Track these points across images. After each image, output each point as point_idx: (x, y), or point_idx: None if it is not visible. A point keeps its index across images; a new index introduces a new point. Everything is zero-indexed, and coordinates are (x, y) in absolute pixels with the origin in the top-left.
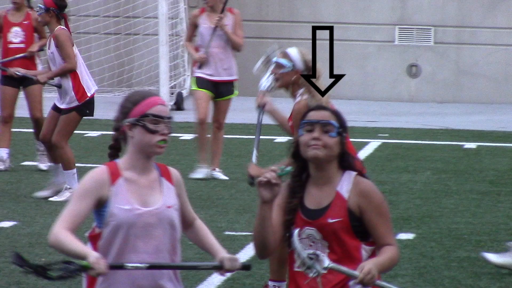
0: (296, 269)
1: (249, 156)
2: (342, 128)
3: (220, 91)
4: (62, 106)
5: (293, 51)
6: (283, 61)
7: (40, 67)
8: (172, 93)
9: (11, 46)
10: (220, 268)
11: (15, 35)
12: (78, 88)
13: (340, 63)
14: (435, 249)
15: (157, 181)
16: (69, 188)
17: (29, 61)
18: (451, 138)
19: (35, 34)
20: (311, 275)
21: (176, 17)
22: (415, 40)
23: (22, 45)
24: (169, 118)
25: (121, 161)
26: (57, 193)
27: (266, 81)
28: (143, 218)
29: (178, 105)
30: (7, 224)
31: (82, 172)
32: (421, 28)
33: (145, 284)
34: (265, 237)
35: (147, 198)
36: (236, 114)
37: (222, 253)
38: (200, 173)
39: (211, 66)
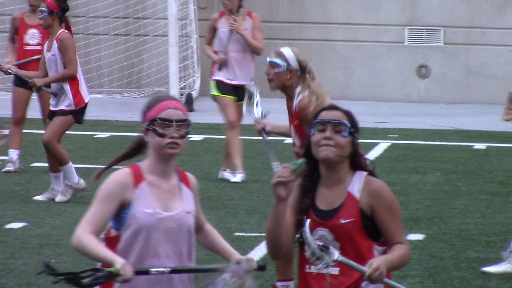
0: (307, 270)
1: (258, 157)
2: (354, 128)
3: (240, 95)
4: (59, 108)
5: (286, 51)
6: (277, 60)
7: None
8: (182, 94)
9: (28, 48)
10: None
11: (32, 37)
12: (77, 93)
13: (350, 63)
14: (445, 249)
15: (177, 187)
16: (69, 185)
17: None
18: (461, 139)
19: None
20: (319, 266)
21: (186, 18)
22: (425, 40)
23: (38, 47)
24: (180, 121)
25: (143, 164)
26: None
27: (256, 111)
28: (164, 222)
29: (188, 106)
30: (17, 225)
31: (92, 172)
32: (431, 29)
33: (162, 287)
34: (279, 237)
35: (168, 203)
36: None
37: (236, 255)
38: (238, 177)
39: (230, 70)
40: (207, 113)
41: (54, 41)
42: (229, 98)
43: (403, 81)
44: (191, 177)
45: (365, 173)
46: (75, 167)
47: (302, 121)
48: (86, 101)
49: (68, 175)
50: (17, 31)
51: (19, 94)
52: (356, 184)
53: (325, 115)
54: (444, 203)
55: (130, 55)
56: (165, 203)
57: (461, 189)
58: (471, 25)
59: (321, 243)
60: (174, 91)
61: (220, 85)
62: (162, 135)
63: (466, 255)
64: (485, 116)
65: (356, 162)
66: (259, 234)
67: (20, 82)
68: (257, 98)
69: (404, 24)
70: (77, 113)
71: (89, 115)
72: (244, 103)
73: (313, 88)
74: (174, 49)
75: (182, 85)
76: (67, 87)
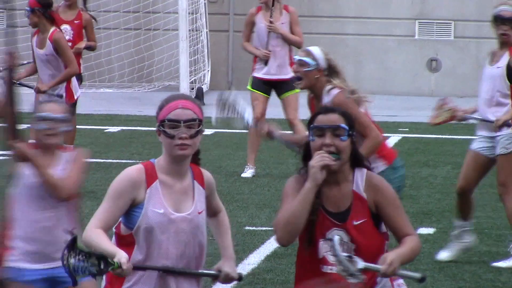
0: (326, 271)
1: (268, 151)
2: (352, 128)
3: (281, 88)
4: None
5: (315, 50)
6: (307, 59)
7: (82, 66)
8: (192, 88)
9: None
10: (216, 278)
11: (64, 33)
12: (68, 89)
13: (360, 57)
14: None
15: (190, 186)
16: None
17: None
18: (472, 132)
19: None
20: (351, 281)
21: (196, 12)
22: (435, 34)
23: (69, 43)
24: (189, 120)
25: (158, 161)
26: None
27: (248, 116)
28: (176, 223)
29: (198, 100)
30: None
31: (102, 167)
32: (441, 23)
33: (171, 285)
34: (301, 222)
35: (180, 204)
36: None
37: (226, 261)
38: (248, 173)
39: (269, 65)
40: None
41: (48, 40)
42: (259, 94)
43: (414, 75)
44: (206, 174)
45: (364, 169)
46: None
47: None
48: (76, 97)
49: None
50: None
51: None
52: (359, 182)
53: (322, 119)
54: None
55: (141, 49)
56: (177, 204)
57: None
58: (481, 19)
59: (346, 254)
60: (184, 85)
61: (255, 81)
62: (171, 136)
63: (477, 249)
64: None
65: (355, 160)
66: (269, 228)
67: None
68: (241, 105)
69: (414, 18)
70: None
71: (99, 109)
72: (214, 113)
73: (344, 85)
74: (185, 43)
75: (192, 79)
76: (61, 84)
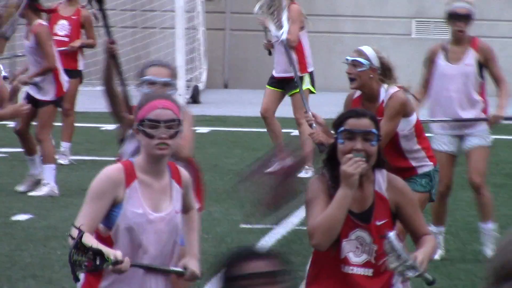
0: (348, 271)
1: (264, 149)
2: (379, 132)
3: (286, 87)
4: (44, 98)
5: (368, 49)
6: (360, 59)
7: (81, 63)
8: (189, 87)
9: (55, 38)
10: (181, 275)
11: (61, 28)
12: (56, 83)
13: None
14: (451, 242)
15: (168, 185)
16: (48, 184)
17: (70, 55)
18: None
19: (82, 31)
20: (410, 274)
21: (193, 11)
22: (432, 33)
23: (66, 39)
24: (169, 121)
25: (136, 161)
26: (34, 186)
27: (283, 31)
28: (155, 223)
29: (194, 98)
30: (23, 217)
31: (98, 165)
32: (439, 21)
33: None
34: (340, 228)
35: (159, 203)
36: (252, 107)
37: (191, 259)
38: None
39: (275, 63)
40: (213, 105)
41: (31, 33)
42: (268, 89)
43: (411, 74)
44: (183, 172)
45: (384, 170)
46: (81, 159)
47: (390, 117)
48: (64, 89)
49: (47, 174)
50: (49, 21)
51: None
52: (381, 182)
53: (354, 123)
54: (451, 195)
55: (137, 48)
56: (156, 204)
57: (467, 181)
58: (479, 18)
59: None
60: (180, 83)
61: (270, 77)
62: (151, 136)
63: (472, 248)
64: (493, 108)
65: (378, 161)
66: (265, 227)
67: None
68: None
69: (411, 17)
70: (58, 101)
71: (95, 107)
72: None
73: (402, 87)
74: (181, 42)
75: (189, 78)
76: (50, 78)
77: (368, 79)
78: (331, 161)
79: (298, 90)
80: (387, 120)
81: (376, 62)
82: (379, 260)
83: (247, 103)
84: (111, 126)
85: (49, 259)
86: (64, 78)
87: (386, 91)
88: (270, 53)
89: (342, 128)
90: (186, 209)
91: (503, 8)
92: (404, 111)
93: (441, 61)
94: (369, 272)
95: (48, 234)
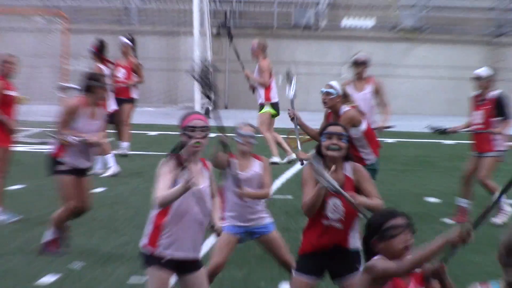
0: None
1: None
2: (348, 136)
3: (260, 109)
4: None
5: (335, 84)
6: (331, 90)
7: (135, 93)
8: (203, 108)
9: (117, 79)
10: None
11: (120, 73)
12: (105, 106)
13: (310, 89)
14: None
15: (201, 170)
16: (111, 167)
17: (127, 89)
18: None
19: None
20: (332, 189)
21: (205, 60)
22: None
23: (123, 79)
24: (202, 127)
25: (182, 153)
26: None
27: (292, 90)
28: (197, 192)
29: (207, 115)
30: (99, 189)
31: (146, 157)
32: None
33: (196, 238)
34: (318, 206)
35: (198, 180)
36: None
37: (216, 221)
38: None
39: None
40: (224, 120)
41: (96, 70)
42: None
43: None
44: (209, 163)
45: (350, 161)
46: (137, 154)
47: (346, 124)
48: (109, 110)
49: (108, 161)
50: (113, 69)
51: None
52: (348, 169)
53: (332, 129)
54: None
55: (170, 83)
56: (196, 180)
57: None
58: (384, 62)
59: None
60: (197, 105)
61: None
62: (190, 137)
63: None
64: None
65: (347, 156)
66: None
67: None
68: (293, 81)
69: (343, 62)
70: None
71: (143, 120)
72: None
73: (353, 106)
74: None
75: (203, 102)
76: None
77: (335, 102)
78: (318, 154)
79: (262, 111)
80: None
81: (340, 92)
82: (345, 218)
83: (240, 118)
84: (154, 133)
85: (115, 218)
86: (110, 103)
87: (342, 109)
88: (253, 92)
89: (325, 132)
90: (212, 194)
91: (403, 55)
92: (351, 122)
93: (350, 90)
94: (339, 225)
95: (116, 200)
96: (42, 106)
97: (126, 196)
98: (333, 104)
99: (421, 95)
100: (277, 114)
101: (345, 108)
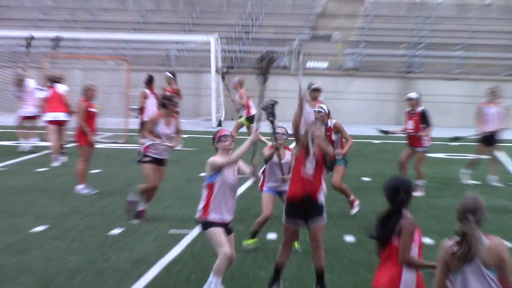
0: None
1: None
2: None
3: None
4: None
5: (324, 106)
6: (321, 109)
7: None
8: (217, 119)
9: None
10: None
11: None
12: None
13: (290, 109)
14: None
15: (233, 165)
16: None
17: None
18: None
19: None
20: (279, 132)
21: (218, 86)
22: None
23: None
24: (229, 136)
25: (218, 153)
26: None
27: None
28: (233, 182)
29: (219, 124)
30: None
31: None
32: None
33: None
34: (300, 122)
35: (230, 171)
36: (244, 128)
37: (246, 169)
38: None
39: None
40: (227, 127)
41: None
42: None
43: None
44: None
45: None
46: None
47: (334, 132)
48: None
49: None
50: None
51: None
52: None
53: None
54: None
55: (195, 100)
56: (229, 171)
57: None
58: (334, 90)
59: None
60: (214, 118)
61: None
62: (224, 141)
63: (432, 229)
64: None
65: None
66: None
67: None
68: (301, 56)
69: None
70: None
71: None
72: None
73: (334, 120)
74: (214, 96)
75: (217, 115)
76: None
77: (325, 118)
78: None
79: (239, 120)
80: (333, 133)
81: (327, 110)
82: (316, 171)
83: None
84: (184, 135)
85: (159, 191)
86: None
87: (330, 122)
88: (237, 112)
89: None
90: (241, 170)
91: (346, 85)
92: (338, 130)
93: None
94: (312, 178)
95: (127, 183)
96: (112, 119)
97: (166, 177)
98: (323, 119)
99: (358, 111)
100: (251, 123)
101: (333, 120)
